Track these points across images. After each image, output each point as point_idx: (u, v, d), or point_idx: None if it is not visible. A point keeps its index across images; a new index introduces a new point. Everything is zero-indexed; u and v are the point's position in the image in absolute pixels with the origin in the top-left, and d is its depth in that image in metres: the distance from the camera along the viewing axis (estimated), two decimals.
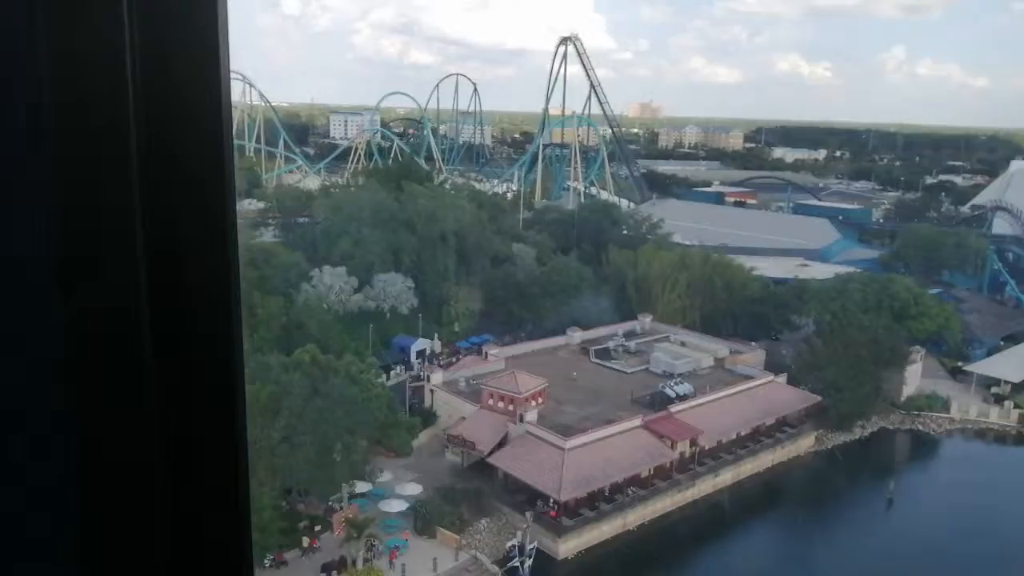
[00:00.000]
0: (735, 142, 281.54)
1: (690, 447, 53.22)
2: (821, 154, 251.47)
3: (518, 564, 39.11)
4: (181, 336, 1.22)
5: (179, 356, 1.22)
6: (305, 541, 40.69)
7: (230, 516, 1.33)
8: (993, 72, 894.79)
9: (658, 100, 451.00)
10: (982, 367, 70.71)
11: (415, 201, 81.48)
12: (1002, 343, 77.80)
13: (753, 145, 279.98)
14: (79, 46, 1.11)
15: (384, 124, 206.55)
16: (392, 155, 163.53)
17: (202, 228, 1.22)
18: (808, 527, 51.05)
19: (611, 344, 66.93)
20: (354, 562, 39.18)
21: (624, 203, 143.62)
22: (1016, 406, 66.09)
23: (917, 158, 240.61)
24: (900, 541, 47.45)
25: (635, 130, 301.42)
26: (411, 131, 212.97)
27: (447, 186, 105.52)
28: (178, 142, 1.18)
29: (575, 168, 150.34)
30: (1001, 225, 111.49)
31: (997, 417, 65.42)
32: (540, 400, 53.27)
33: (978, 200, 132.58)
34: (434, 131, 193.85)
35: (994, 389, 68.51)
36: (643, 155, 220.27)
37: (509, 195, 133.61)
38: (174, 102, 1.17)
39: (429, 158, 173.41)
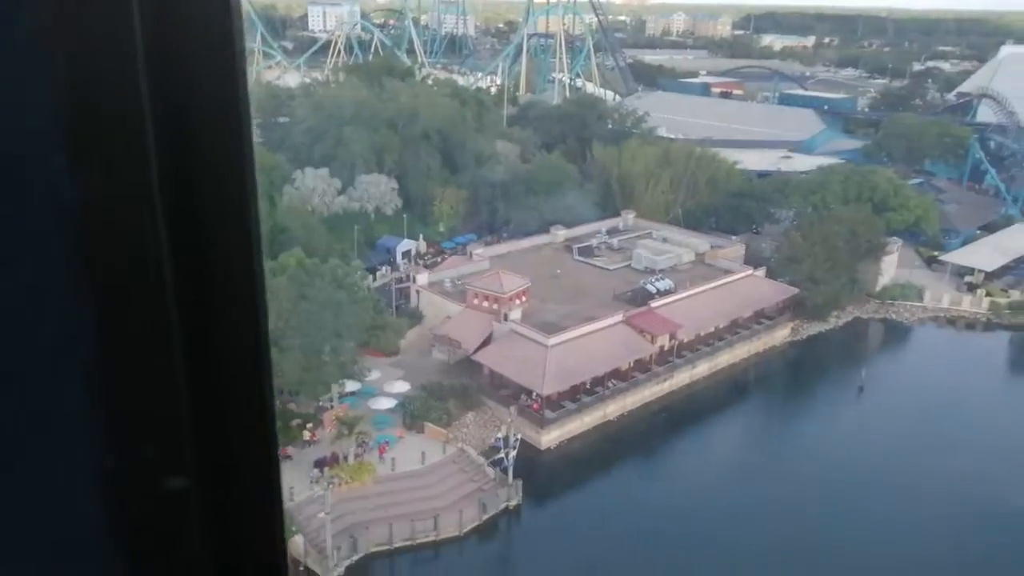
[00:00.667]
0: (723, 29, 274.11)
1: (669, 341, 54.93)
2: (810, 41, 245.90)
3: (503, 455, 41.16)
4: (203, 290, 1.22)
5: (203, 306, 1.22)
6: (307, 435, 42.53)
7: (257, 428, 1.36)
8: None
9: None
10: (957, 256, 72.26)
11: (397, 99, 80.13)
12: (979, 232, 79.14)
13: (742, 32, 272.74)
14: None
15: (364, 16, 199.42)
16: (373, 49, 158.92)
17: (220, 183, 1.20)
18: (779, 414, 53.60)
19: (594, 242, 67.74)
20: (345, 457, 41.13)
21: (610, 95, 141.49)
22: (988, 294, 68.01)
23: (907, 44, 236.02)
24: (867, 428, 49.99)
25: (622, 18, 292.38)
26: (392, 22, 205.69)
27: (429, 82, 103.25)
28: (191, 91, 1.16)
29: (560, 59, 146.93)
30: (986, 113, 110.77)
31: (969, 305, 67.40)
32: (524, 299, 54.45)
33: (964, 87, 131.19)
34: (415, 22, 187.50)
35: (968, 278, 70.25)
36: (630, 44, 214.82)
37: (493, 89, 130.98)
38: (183, 47, 1.15)
39: (411, 51, 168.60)
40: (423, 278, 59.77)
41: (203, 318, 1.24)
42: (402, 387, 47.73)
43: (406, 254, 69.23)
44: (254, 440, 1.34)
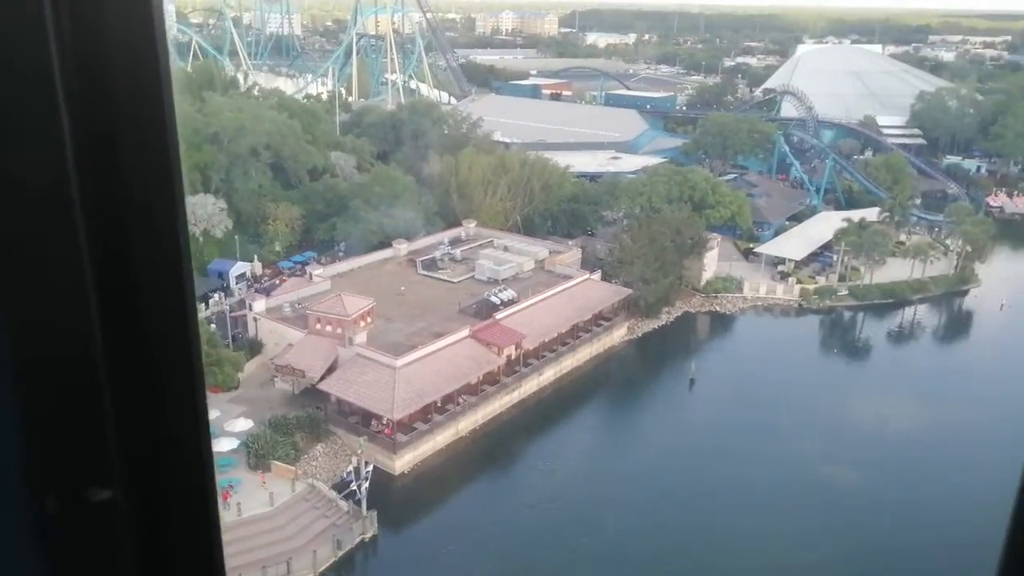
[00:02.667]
0: (551, 27, 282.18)
1: (516, 350, 56.17)
2: (631, 38, 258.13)
3: (355, 487, 40.60)
4: (129, 295, 1.21)
5: (128, 315, 1.21)
6: None
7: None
8: None
9: None
10: (769, 248, 78.69)
11: (220, 114, 76.39)
12: (788, 223, 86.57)
13: (568, 30, 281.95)
14: None
15: (180, 16, 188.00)
16: (192, 53, 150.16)
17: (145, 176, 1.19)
18: (621, 413, 56.30)
19: (437, 254, 67.90)
20: None
21: (444, 96, 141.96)
22: (799, 281, 74.56)
23: (718, 40, 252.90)
24: (700, 419, 53.59)
25: (452, 16, 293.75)
26: (212, 22, 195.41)
27: (255, 92, 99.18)
28: (111, 79, 1.14)
29: (392, 60, 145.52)
30: (788, 108, 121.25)
31: (783, 293, 73.61)
32: (369, 320, 53.80)
33: (769, 83, 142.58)
34: (236, 22, 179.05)
35: (780, 267, 76.70)
36: (461, 43, 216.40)
37: (324, 94, 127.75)
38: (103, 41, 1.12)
39: (233, 53, 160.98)
40: (260, 304, 57.56)
41: (131, 328, 1.21)
42: (244, 425, 45.84)
43: (240, 278, 66.36)
44: (189, 464, 1.33)
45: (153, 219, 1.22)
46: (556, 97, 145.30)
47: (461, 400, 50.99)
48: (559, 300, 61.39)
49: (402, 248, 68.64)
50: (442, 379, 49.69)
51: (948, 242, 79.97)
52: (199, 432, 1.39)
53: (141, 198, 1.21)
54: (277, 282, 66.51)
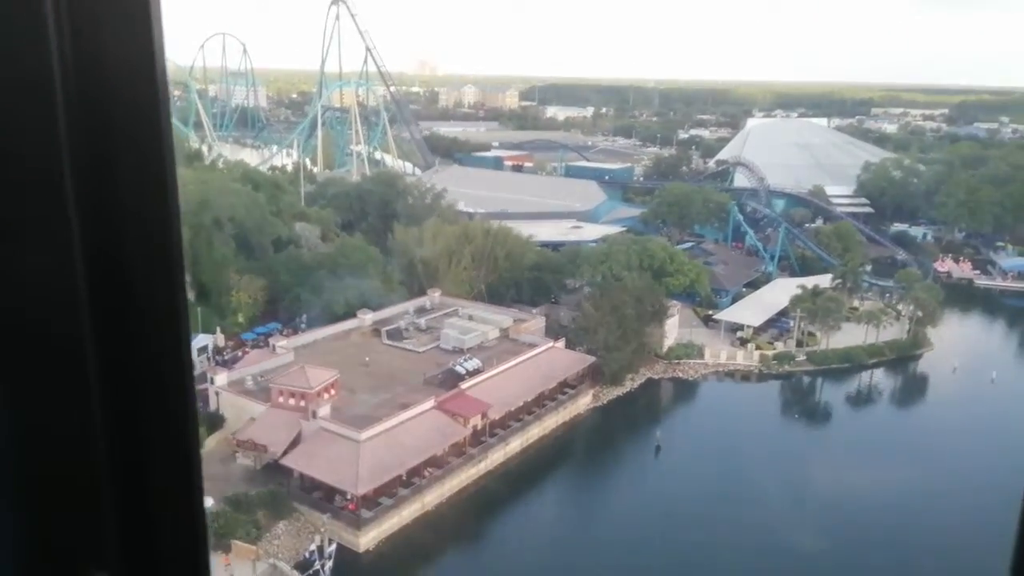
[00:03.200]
0: (511, 101, 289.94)
1: (482, 420, 56.10)
2: (589, 112, 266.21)
3: (319, 567, 39.72)
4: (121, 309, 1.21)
5: (123, 336, 1.21)
6: None
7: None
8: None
9: (436, 58, 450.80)
10: (728, 314, 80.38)
11: (184, 187, 76.59)
12: (745, 290, 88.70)
13: (529, 103, 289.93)
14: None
15: None
16: None
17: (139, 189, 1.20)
18: (587, 482, 56.19)
19: (402, 324, 68.05)
20: None
21: (409, 167, 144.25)
22: (757, 347, 76.05)
23: (672, 113, 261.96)
24: (666, 487, 53.72)
25: (415, 89, 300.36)
26: (178, 93, 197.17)
27: (220, 165, 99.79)
28: (109, 97, 1.16)
29: (356, 132, 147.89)
30: (741, 179, 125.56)
31: (742, 359, 74.91)
32: (332, 392, 53.41)
33: (722, 155, 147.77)
34: (202, 94, 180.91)
35: (739, 333, 78.25)
36: (424, 116, 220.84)
37: (290, 166, 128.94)
38: (104, 63, 1.14)
39: (199, 125, 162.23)
40: (222, 378, 56.82)
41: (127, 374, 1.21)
42: (205, 503, 44.68)
43: (202, 350, 65.52)
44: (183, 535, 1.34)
45: (147, 226, 1.22)
46: (518, 168, 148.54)
47: (427, 473, 50.51)
48: (524, 368, 61.73)
49: (367, 318, 68.67)
50: (407, 452, 49.28)
51: (900, 307, 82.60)
52: (193, 500, 1.42)
53: (135, 205, 1.21)
54: (240, 354, 65.82)
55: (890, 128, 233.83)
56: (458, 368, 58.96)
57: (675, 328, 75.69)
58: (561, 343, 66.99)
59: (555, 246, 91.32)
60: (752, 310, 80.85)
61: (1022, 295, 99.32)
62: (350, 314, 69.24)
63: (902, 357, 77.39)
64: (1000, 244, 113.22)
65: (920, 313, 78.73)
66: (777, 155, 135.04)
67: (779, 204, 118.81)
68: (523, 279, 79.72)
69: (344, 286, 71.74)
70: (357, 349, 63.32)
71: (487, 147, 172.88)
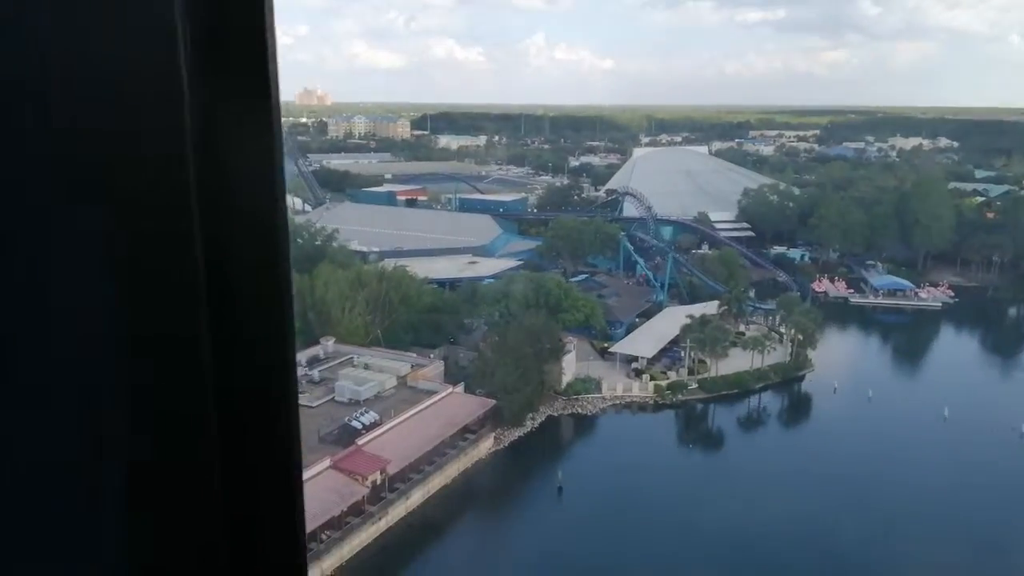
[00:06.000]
0: (403, 131, 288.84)
1: (381, 475, 54.84)
2: (482, 140, 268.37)
3: None
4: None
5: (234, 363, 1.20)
6: None
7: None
8: (616, 54, 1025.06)
9: (324, 87, 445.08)
10: (622, 346, 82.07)
11: None
12: (638, 320, 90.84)
13: (421, 133, 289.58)
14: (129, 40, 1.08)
15: None
16: None
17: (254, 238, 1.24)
18: (490, 529, 55.76)
19: None
20: None
21: (299, 203, 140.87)
22: (652, 378, 77.84)
23: (562, 140, 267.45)
24: (569, 529, 53.92)
25: (304, 120, 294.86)
26: None
27: None
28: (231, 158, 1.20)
29: None
30: (630, 208, 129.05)
31: (638, 390, 76.51)
32: None
33: (611, 184, 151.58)
34: None
35: (634, 364, 79.94)
36: (314, 148, 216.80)
37: None
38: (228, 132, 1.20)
39: None
40: None
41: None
42: None
43: None
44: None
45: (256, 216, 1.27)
46: (412, 203, 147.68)
47: (325, 536, 48.85)
48: (423, 418, 60.92)
49: None
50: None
51: (782, 330, 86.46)
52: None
53: (249, 206, 1.27)
54: None
55: (767, 150, 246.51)
56: (354, 423, 57.63)
57: (573, 363, 76.58)
58: (460, 387, 66.56)
59: (452, 283, 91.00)
60: (645, 341, 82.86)
61: (893, 311, 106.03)
62: None
63: (786, 379, 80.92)
64: (871, 263, 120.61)
65: (800, 336, 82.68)
66: (663, 183, 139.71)
67: (667, 231, 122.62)
68: (420, 321, 78.92)
69: None
70: None
71: (379, 180, 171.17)
